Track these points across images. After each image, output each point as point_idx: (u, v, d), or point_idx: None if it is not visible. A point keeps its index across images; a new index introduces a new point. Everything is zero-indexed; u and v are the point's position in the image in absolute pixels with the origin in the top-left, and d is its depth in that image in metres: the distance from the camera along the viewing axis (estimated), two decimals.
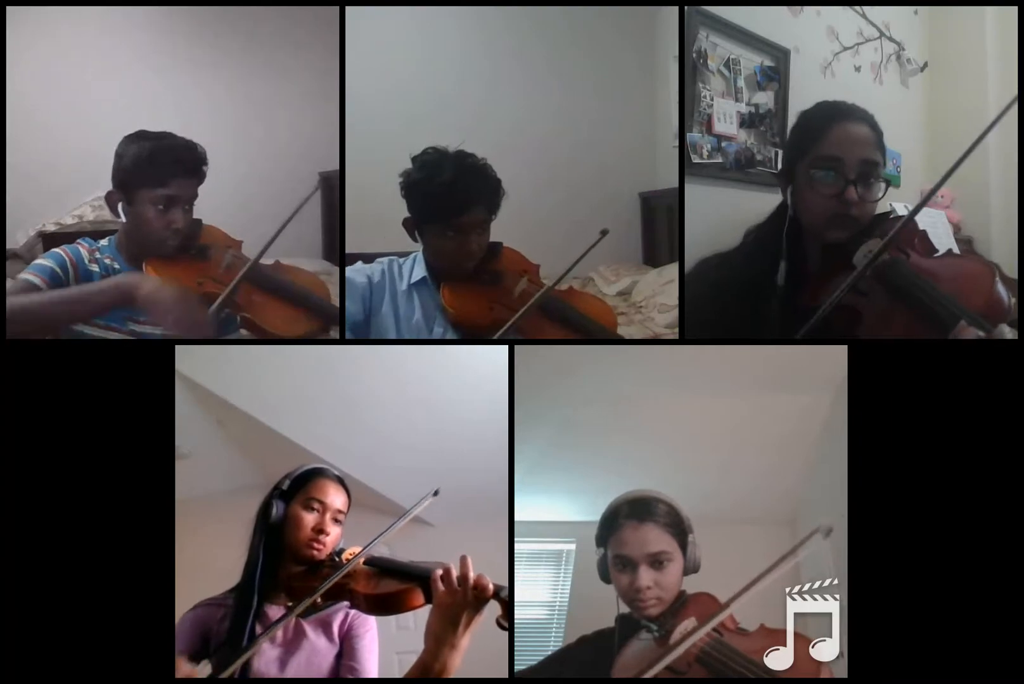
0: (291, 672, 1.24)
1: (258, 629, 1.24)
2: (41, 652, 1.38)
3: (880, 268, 1.38)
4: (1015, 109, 1.39)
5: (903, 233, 1.39)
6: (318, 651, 1.27)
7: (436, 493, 1.29)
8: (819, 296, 1.42)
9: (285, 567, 1.29)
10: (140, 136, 1.57)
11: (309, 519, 1.30)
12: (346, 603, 1.28)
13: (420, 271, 1.62)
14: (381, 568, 1.22)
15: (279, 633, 1.26)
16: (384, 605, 1.17)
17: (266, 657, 1.24)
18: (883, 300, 1.38)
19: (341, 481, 1.37)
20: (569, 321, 1.63)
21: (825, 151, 1.44)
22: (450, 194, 1.52)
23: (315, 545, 1.28)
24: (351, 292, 1.60)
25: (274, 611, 1.27)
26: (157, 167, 1.54)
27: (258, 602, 1.25)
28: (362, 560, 1.23)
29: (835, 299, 1.37)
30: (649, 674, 1.16)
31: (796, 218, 1.51)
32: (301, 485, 1.33)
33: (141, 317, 1.56)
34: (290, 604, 1.24)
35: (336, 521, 1.32)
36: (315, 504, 1.31)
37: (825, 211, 1.44)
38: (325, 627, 1.29)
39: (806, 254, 1.52)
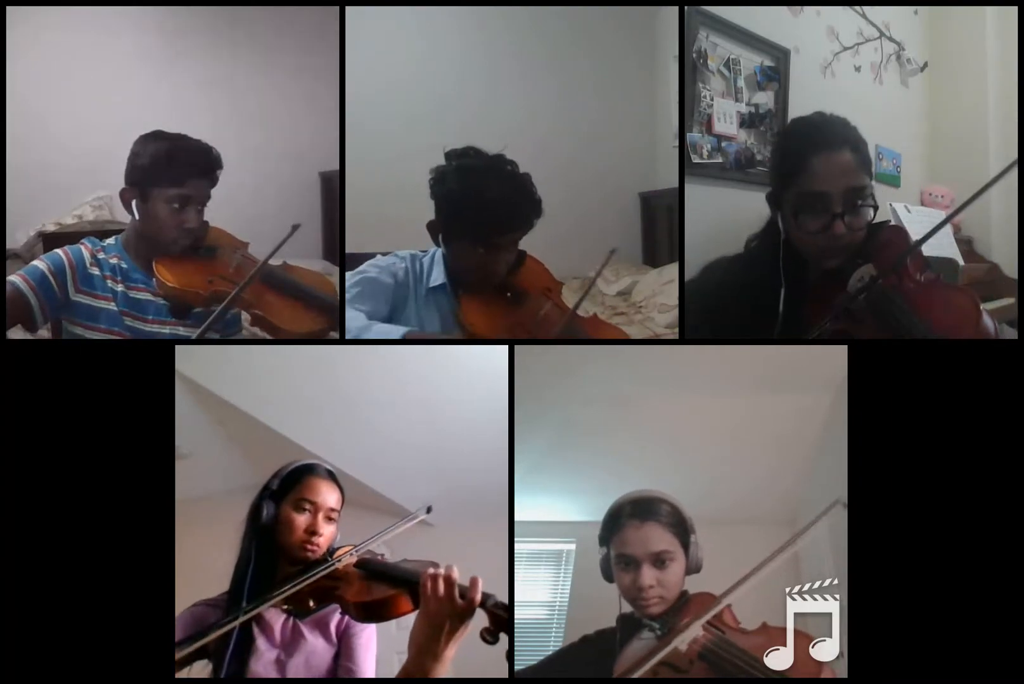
0: (290, 674, 1.23)
1: (255, 632, 1.23)
2: (41, 652, 1.38)
3: (874, 298, 1.37)
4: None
5: (897, 254, 1.38)
6: (316, 652, 1.26)
7: (429, 510, 1.28)
8: (818, 314, 1.42)
9: (281, 569, 1.27)
10: (157, 136, 1.58)
11: (301, 521, 1.27)
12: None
13: (440, 275, 1.57)
14: (371, 571, 1.21)
15: (277, 635, 1.25)
16: (372, 613, 1.16)
17: (264, 659, 1.23)
18: (875, 330, 1.38)
19: (333, 476, 1.34)
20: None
21: (808, 187, 1.40)
22: (491, 213, 1.45)
23: (308, 547, 1.26)
24: (378, 292, 1.54)
25: (271, 614, 1.26)
26: (174, 167, 1.54)
27: (250, 606, 1.22)
28: (353, 562, 1.23)
29: (824, 325, 1.38)
30: (646, 667, 1.17)
31: (788, 242, 1.48)
32: (291, 485, 1.30)
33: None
34: (286, 607, 1.24)
35: (329, 520, 1.30)
36: (306, 505, 1.28)
37: (815, 244, 1.42)
38: (323, 627, 1.28)
39: (804, 275, 1.51)
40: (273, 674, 1.23)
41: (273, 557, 1.27)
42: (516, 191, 1.47)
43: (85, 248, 1.60)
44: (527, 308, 1.57)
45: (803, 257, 1.49)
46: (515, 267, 1.57)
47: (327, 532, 1.29)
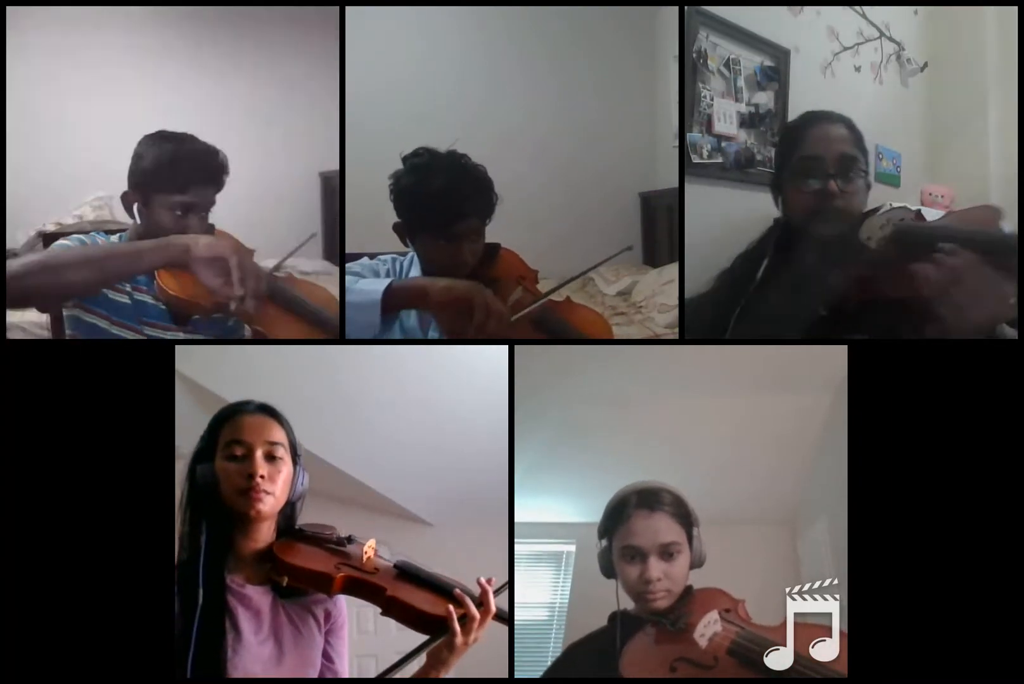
0: (288, 671, 1.12)
1: (239, 612, 1.10)
2: (40, 652, 1.38)
3: (899, 224, 1.39)
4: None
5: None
6: (311, 645, 1.16)
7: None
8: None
9: (237, 538, 1.13)
10: (161, 137, 1.53)
11: (234, 469, 1.10)
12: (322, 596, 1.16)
13: (415, 274, 1.59)
14: (409, 574, 1.13)
15: (266, 620, 1.12)
16: (414, 620, 1.10)
17: (252, 652, 1.10)
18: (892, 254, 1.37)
19: (268, 410, 1.17)
20: (559, 335, 1.58)
21: (805, 152, 1.50)
22: (442, 203, 1.47)
23: (253, 494, 1.09)
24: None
25: (255, 592, 1.12)
26: (177, 173, 1.49)
27: (209, 580, 1.08)
28: (373, 554, 1.14)
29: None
30: (667, 662, 1.16)
31: (787, 222, 1.54)
32: (216, 433, 1.14)
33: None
34: (279, 578, 1.11)
35: (272, 457, 1.12)
36: (236, 448, 1.11)
37: (809, 206, 1.48)
38: (314, 617, 1.17)
39: (801, 256, 1.49)
40: (261, 669, 1.09)
41: (226, 523, 1.11)
42: (463, 180, 1.49)
43: (100, 241, 1.57)
44: (499, 296, 1.55)
45: (799, 237, 1.50)
46: (490, 259, 1.60)
47: (279, 472, 1.12)
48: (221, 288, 1.30)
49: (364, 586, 1.10)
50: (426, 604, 1.09)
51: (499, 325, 1.38)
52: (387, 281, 1.45)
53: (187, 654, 1.05)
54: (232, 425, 1.14)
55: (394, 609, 1.09)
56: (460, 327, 1.39)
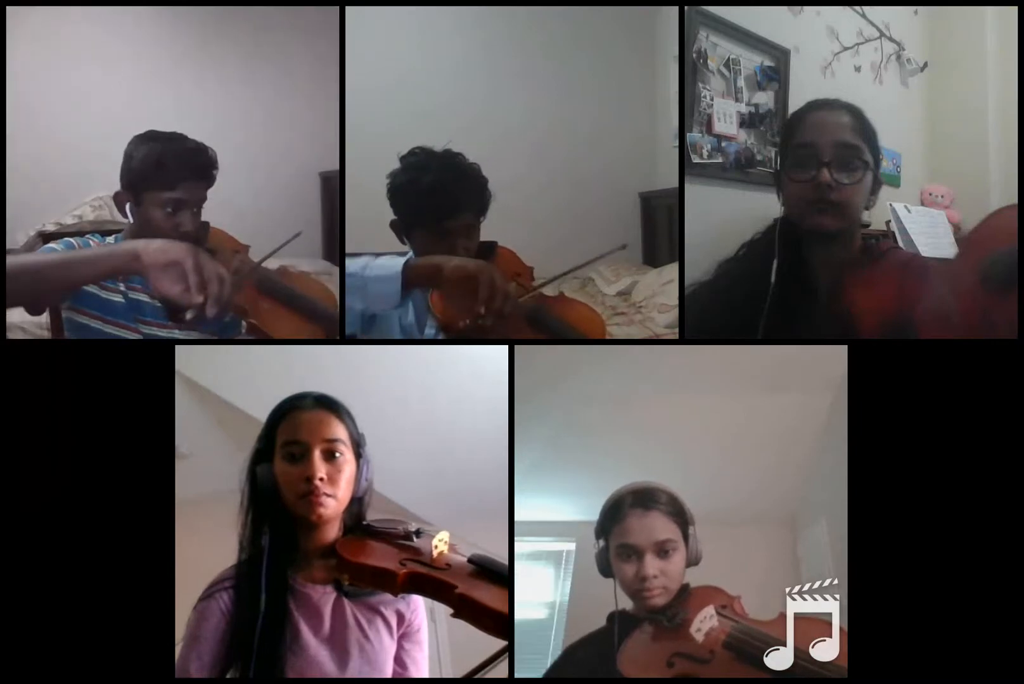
0: (353, 670, 1.06)
1: (296, 616, 1.05)
2: (40, 652, 1.38)
3: None
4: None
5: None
6: (379, 648, 1.09)
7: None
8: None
9: (302, 540, 1.09)
10: (150, 137, 1.55)
11: (292, 471, 1.06)
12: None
13: None
14: (486, 569, 1.05)
15: (326, 622, 1.06)
16: (490, 623, 0.99)
17: (310, 658, 1.04)
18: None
19: (326, 404, 1.12)
20: (552, 331, 1.58)
21: (799, 139, 1.44)
22: (434, 198, 1.49)
23: (312, 498, 1.04)
24: (356, 287, 1.57)
25: (315, 591, 1.08)
26: (166, 170, 1.51)
27: (272, 585, 1.04)
28: (446, 548, 1.06)
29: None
30: (662, 658, 1.16)
31: (787, 218, 1.49)
32: (274, 431, 1.10)
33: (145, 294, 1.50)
34: (341, 576, 1.06)
35: (331, 454, 1.07)
36: (293, 449, 1.06)
37: (804, 197, 1.42)
38: (383, 619, 1.11)
39: (803, 254, 1.48)
40: (319, 671, 1.03)
41: (288, 526, 1.07)
42: (455, 176, 1.51)
43: (93, 242, 1.58)
44: None
45: (800, 233, 1.47)
46: (486, 257, 1.59)
47: (333, 473, 1.06)
48: (181, 296, 1.12)
49: (431, 583, 1.02)
50: (504, 604, 1.00)
51: (505, 303, 1.34)
52: (404, 258, 1.45)
53: (249, 658, 1.01)
54: (289, 423, 1.10)
55: (466, 610, 1.00)
56: (468, 305, 1.35)
